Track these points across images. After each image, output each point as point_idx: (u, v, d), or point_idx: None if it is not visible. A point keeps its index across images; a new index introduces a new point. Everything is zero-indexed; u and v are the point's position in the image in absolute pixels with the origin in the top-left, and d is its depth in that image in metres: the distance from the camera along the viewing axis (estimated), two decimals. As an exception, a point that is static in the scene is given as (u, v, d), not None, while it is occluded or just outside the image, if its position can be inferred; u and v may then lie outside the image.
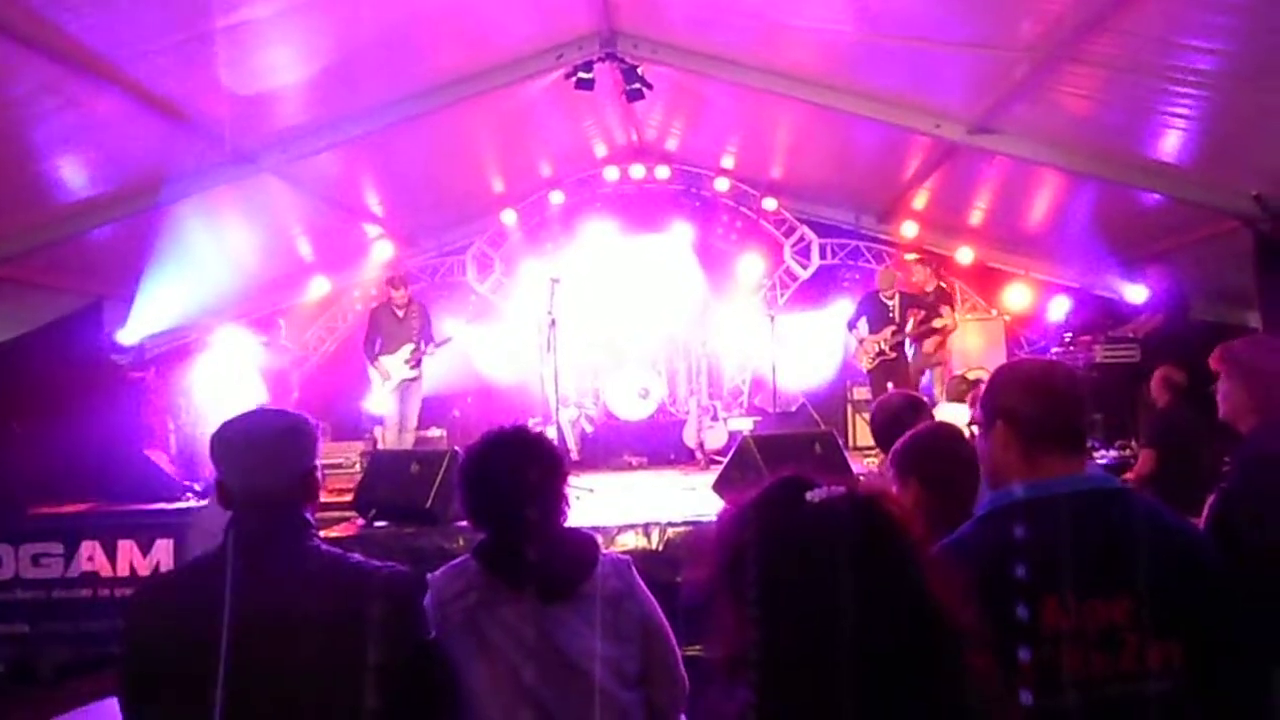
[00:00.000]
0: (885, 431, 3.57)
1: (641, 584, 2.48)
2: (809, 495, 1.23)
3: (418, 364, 9.71)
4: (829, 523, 1.19)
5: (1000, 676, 1.35)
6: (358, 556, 2.16)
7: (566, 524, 2.50)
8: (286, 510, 2.13)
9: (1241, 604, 1.84)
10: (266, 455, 2.12)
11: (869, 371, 9.97)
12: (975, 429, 2.09)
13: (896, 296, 9.89)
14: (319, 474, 2.24)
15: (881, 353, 9.75)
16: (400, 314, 9.75)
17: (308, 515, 2.18)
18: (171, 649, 2.01)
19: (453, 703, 2.25)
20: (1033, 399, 1.94)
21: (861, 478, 2.84)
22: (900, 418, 3.46)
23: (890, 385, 9.48)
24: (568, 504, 2.48)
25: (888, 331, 9.72)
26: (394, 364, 9.62)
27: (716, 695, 1.24)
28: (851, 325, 10.12)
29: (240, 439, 2.16)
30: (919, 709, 1.13)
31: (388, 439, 9.65)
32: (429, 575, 2.39)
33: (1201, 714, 1.71)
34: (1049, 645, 1.72)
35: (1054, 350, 10.24)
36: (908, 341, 9.85)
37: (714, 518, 4.97)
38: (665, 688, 2.47)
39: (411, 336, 9.71)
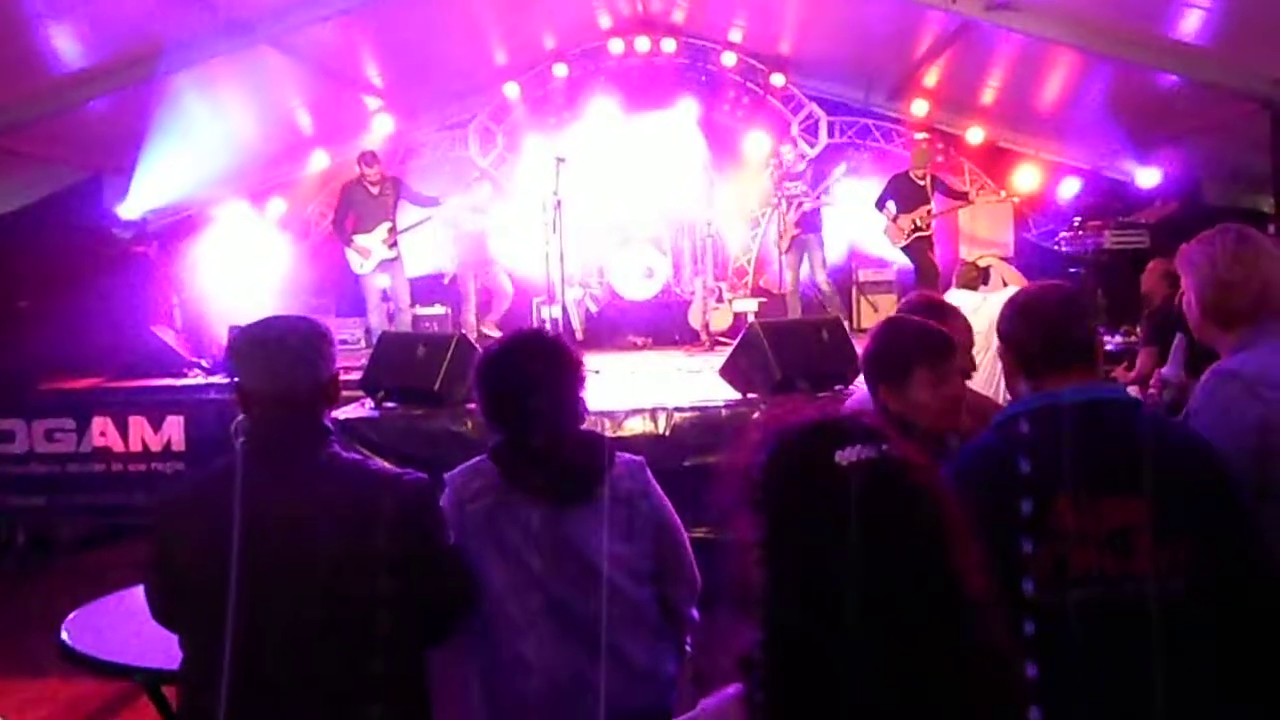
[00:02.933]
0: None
1: (655, 484, 2.51)
2: (839, 455, 1.19)
3: (395, 243, 9.36)
4: (853, 489, 1.17)
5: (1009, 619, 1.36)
6: (377, 462, 2.19)
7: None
8: (306, 415, 2.15)
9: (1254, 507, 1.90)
10: (290, 361, 2.12)
11: (905, 248, 9.99)
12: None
13: (928, 177, 9.89)
14: (339, 379, 2.25)
15: (917, 228, 9.78)
16: (375, 191, 9.29)
17: (327, 421, 2.20)
18: (196, 552, 2.06)
19: (473, 605, 2.32)
20: (1025, 324, 2.06)
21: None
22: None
23: (928, 259, 9.79)
24: (585, 409, 2.49)
25: (923, 210, 9.76)
26: (372, 243, 9.25)
27: (730, 620, 1.26)
28: (880, 205, 10.06)
29: (264, 343, 2.15)
30: (921, 687, 1.14)
31: (373, 322, 9.40)
32: (446, 475, 2.43)
33: (1215, 614, 1.75)
34: (1061, 543, 1.76)
35: (1062, 234, 10.19)
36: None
37: (722, 404, 5.00)
38: (678, 585, 2.53)
39: (388, 214, 9.30)
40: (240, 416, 2.26)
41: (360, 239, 9.26)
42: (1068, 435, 1.81)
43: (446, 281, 10.65)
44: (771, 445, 1.25)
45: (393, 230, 9.33)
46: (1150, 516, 1.75)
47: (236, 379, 2.19)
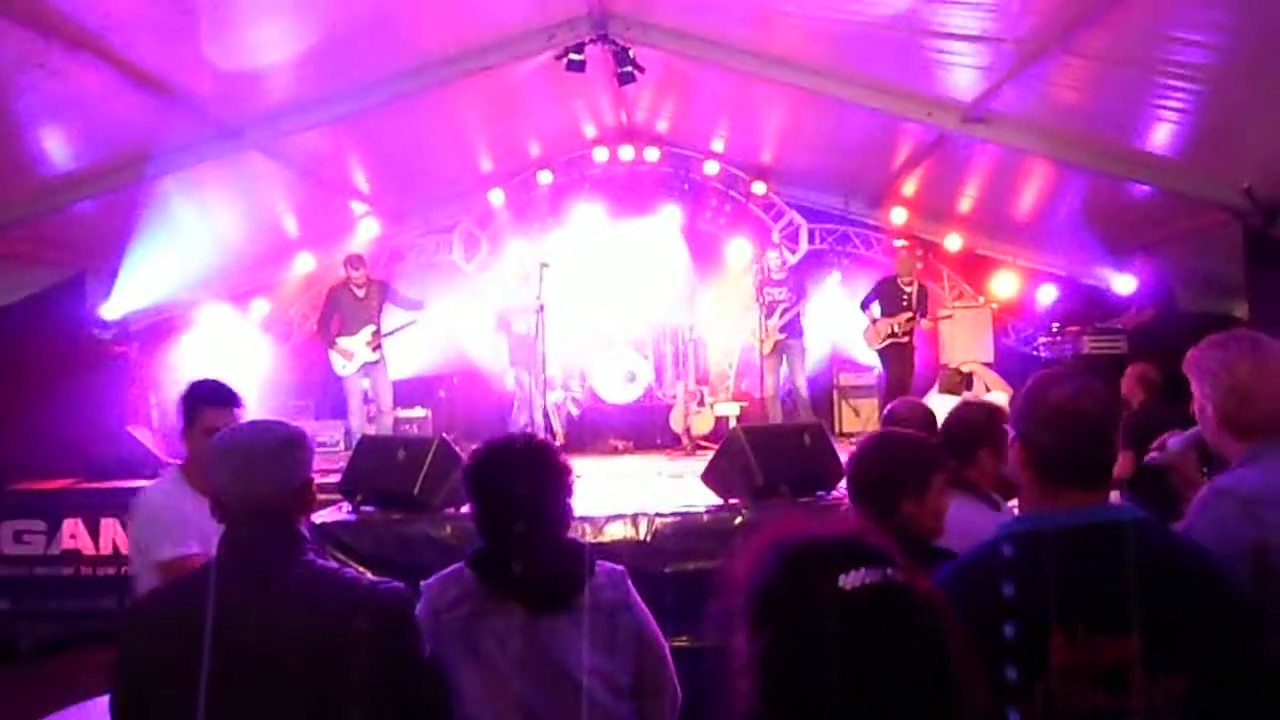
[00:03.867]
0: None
1: (636, 595, 2.47)
2: (843, 579, 1.16)
3: (379, 346, 9.36)
4: (860, 615, 1.14)
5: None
6: (352, 571, 2.15)
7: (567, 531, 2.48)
8: (280, 522, 2.11)
9: (1261, 633, 1.82)
10: (262, 467, 2.10)
11: (880, 351, 10.01)
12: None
13: (915, 284, 9.94)
14: (314, 485, 2.22)
15: (893, 335, 9.80)
16: (360, 294, 9.32)
17: (302, 528, 2.16)
18: (165, 664, 2.00)
19: (449, 717, 2.24)
20: (1050, 432, 1.89)
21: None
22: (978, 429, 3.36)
23: (901, 368, 9.72)
24: (571, 515, 2.45)
25: (903, 317, 9.77)
26: (355, 345, 9.24)
27: None
28: (865, 306, 10.13)
29: (235, 450, 2.13)
30: None
31: (354, 425, 9.34)
32: (423, 583, 2.38)
33: None
34: (1051, 678, 1.70)
35: (1041, 339, 10.29)
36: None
37: (704, 510, 4.91)
38: (658, 699, 2.47)
39: (372, 317, 9.32)
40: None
41: (344, 341, 9.25)
42: (1058, 567, 1.75)
43: (511, 387, 10.40)
44: (774, 562, 1.22)
45: (377, 333, 9.34)
46: (1145, 651, 1.69)
47: (212, 486, 2.15)
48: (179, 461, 3.59)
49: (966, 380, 7.10)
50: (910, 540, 2.56)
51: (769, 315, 10.10)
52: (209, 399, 3.47)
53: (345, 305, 9.34)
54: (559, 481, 2.42)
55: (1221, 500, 2.23)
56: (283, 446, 2.15)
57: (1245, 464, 2.31)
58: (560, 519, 2.42)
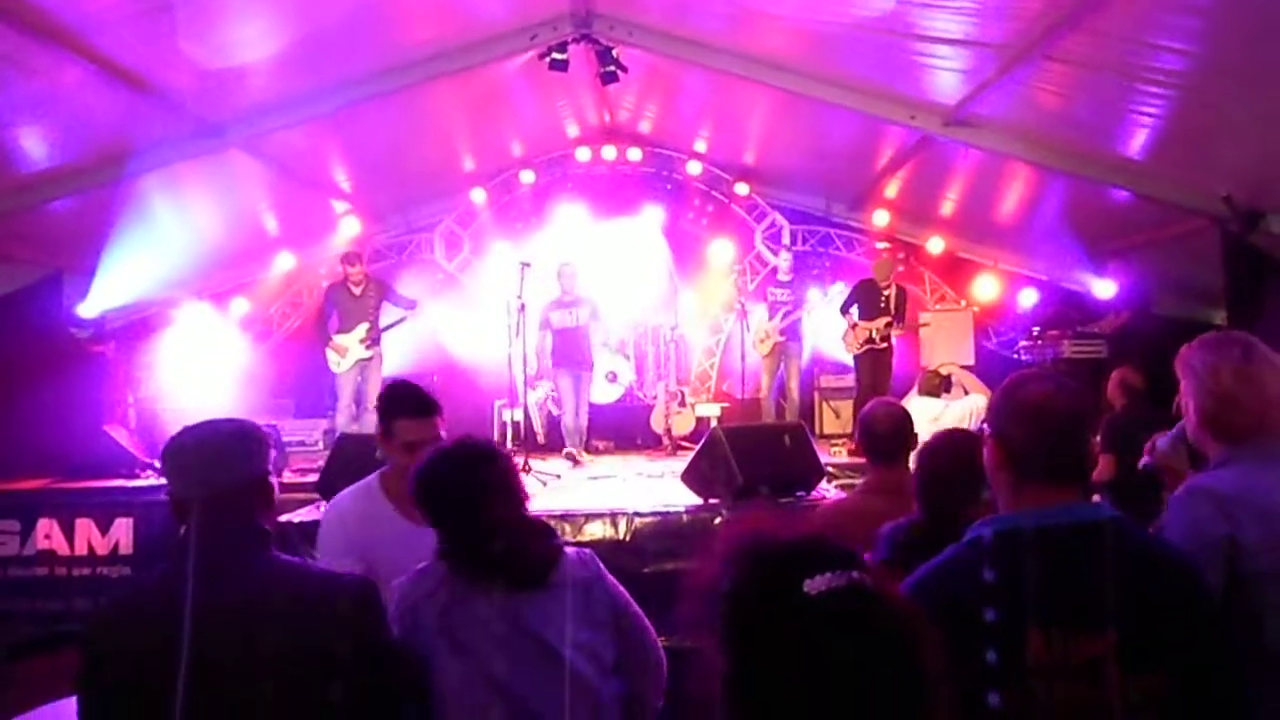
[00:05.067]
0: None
1: (606, 571, 2.48)
2: (808, 584, 1.13)
3: (375, 343, 9.41)
4: (826, 621, 1.11)
5: None
6: (314, 564, 2.13)
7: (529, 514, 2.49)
8: (238, 518, 2.08)
9: (1231, 633, 1.83)
10: (211, 463, 2.08)
11: (855, 357, 9.94)
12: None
13: (893, 288, 9.88)
14: (273, 480, 2.19)
15: (870, 340, 9.71)
16: (357, 291, 9.41)
17: (264, 524, 2.14)
18: (132, 668, 1.98)
19: (421, 697, 2.24)
20: (1025, 429, 1.88)
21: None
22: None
23: (875, 374, 9.68)
24: (528, 497, 2.45)
25: (881, 321, 9.70)
26: (350, 342, 9.31)
27: None
28: (844, 310, 10.04)
29: (190, 447, 2.12)
30: None
31: (340, 422, 9.30)
32: (395, 581, 2.37)
33: None
34: (1030, 680, 1.70)
35: (1022, 343, 10.34)
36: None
37: (683, 509, 4.91)
38: (643, 672, 2.47)
39: (368, 315, 9.41)
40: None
41: (339, 338, 9.32)
42: (1035, 568, 1.74)
43: (552, 393, 10.29)
44: (736, 569, 1.19)
45: (371, 330, 9.37)
46: (1121, 651, 1.70)
47: (170, 489, 2.12)
48: (383, 468, 3.29)
49: (945, 382, 7.12)
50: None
51: (771, 316, 10.13)
52: (403, 409, 3.19)
53: (342, 302, 9.43)
54: (502, 463, 2.43)
55: (1198, 499, 2.24)
56: (236, 441, 2.13)
57: (1222, 465, 2.32)
58: (517, 496, 2.41)
